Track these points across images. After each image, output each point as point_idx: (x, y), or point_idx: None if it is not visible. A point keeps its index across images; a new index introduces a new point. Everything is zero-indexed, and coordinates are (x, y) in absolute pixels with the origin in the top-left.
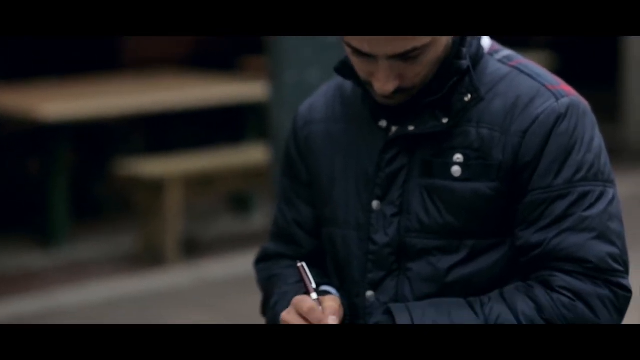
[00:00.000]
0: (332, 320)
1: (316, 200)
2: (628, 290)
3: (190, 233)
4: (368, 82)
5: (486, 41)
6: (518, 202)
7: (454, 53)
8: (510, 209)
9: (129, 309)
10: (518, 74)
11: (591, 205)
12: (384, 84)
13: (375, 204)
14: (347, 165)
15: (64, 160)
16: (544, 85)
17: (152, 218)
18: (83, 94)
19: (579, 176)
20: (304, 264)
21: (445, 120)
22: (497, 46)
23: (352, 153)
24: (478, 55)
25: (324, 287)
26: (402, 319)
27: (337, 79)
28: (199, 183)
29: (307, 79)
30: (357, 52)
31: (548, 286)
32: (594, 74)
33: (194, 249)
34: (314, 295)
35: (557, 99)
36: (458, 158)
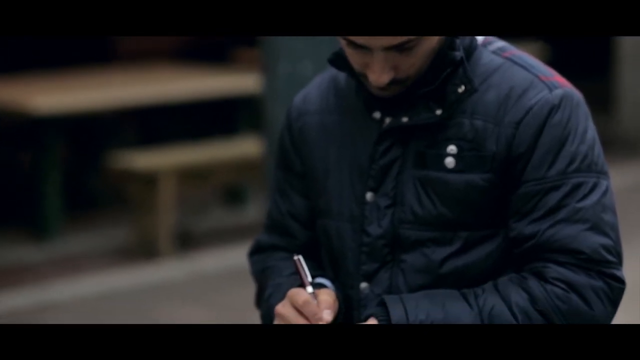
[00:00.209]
0: (327, 314)
1: (310, 191)
2: (621, 282)
3: (184, 226)
4: (362, 73)
5: None
6: (512, 193)
7: (447, 44)
8: (503, 200)
9: (122, 302)
10: (511, 65)
11: (585, 197)
12: (379, 76)
13: (369, 195)
14: (341, 156)
15: (57, 153)
16: (537, 76)
17: (146, 211)
18: (76, 87)
19: (572, 167)
20: (301, 257)
21: (439, 112)
22: (491, 37)
23: (346, 144)
24: (471, 47)
25: (319, 280)
26: (395, 310)
27: (331, 71)
28: (192, 176)
29: (301, 71)
30: (352, 43)
31: (542, 277)
32: (586, 65)
33: (187, 241)
34: (310, 289)
35: (551, 90)
36: (452, 149)
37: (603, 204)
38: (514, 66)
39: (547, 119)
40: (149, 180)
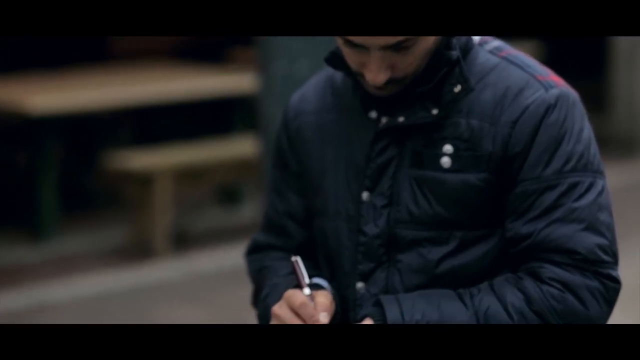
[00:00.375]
0: (324, 317)
1: (307, 191)
2: (617, 282)
3: (180, 226)
4: (359, 73)
5: None
6: (508, 192)
7: (444, 44)
8: (500, 199)
9: (118, 302)
10: (507, 64)
11: (581, 196)
12: (376, 75)
13: (365, 195)
14: (338, 156)
15: (53, 153)
16: (533, 76)
17: (142, 211)
18: (71, 87)
19: (568, 167)
20: (299, 259)
21: (435, 111)
22: (487, 37)
23: (342, 144)
24: (468, 46)
25: (316, 280)
26: (391, 310)
27: (328, 70)
28: (188, 176)
29: (297, 71)
30: (349, 43)
31: (537, 278)
32: (582, 65)
33: (183, 241)
34: (307, 291)
35: (547, 90)
36: (448, 149)
37: (599, 204)
38: (510, 66)
39: (543, 118)
40: (145, 180)
